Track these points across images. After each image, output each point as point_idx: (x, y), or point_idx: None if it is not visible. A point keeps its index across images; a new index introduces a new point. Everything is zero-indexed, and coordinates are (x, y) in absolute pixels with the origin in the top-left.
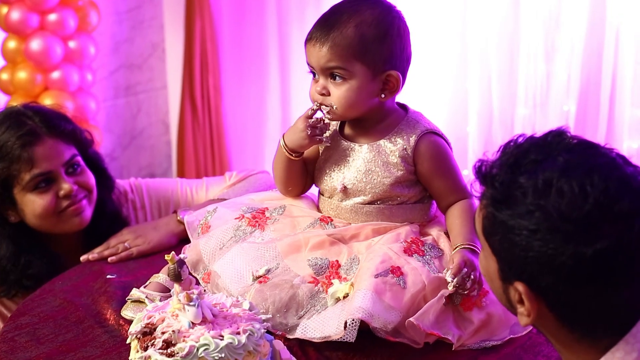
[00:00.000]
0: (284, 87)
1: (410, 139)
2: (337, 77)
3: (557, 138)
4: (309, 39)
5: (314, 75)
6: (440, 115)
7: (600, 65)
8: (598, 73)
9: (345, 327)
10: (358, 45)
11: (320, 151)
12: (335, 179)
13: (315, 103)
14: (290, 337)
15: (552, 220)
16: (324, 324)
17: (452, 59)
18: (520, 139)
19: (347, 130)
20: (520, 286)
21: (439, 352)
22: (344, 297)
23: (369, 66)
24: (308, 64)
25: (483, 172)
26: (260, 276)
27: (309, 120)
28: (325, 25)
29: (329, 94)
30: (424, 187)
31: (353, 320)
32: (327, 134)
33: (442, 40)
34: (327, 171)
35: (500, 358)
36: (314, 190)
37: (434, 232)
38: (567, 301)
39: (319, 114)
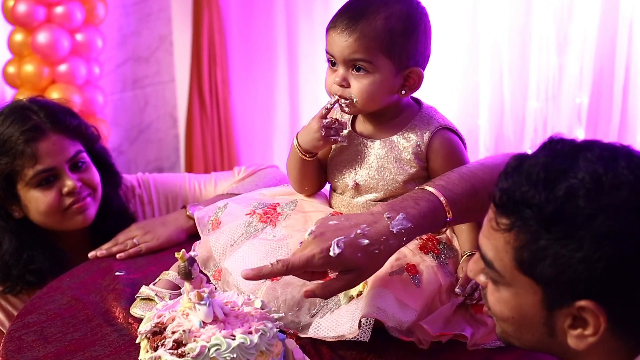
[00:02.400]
0: (292, 80)
1: (424, 135)
2: (360, 69)
3: (561, 145)
4: (332, 27)
5: (332, 64)
6: (450, 109)
7: (614, 57)
8: (611, 65)
9: (359, 326)
10: (386, 39)
11: (333, 147)
12: (347, 175)
13: (331, 100)
14: (303, 336)
15: (622, 217)
16: (338, 323)
17: (462, 52)
18: (520, 159)
19: (359, 125)
20: (585, 303)
21: (454, 352)
22: (358, 295)
23: (394, 61)
24: (327, 52)
25: (507, 201)
26: None
27: (324, 120)
28: (353, 15)
29: (348, 86)
30: None
31: (367, 319)
32: (345, 132)
33: (453, 32)
34: (339, 167)
35: (516, 357)
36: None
37: (447, 231)
38: (637, 303)
39: (333, 113)
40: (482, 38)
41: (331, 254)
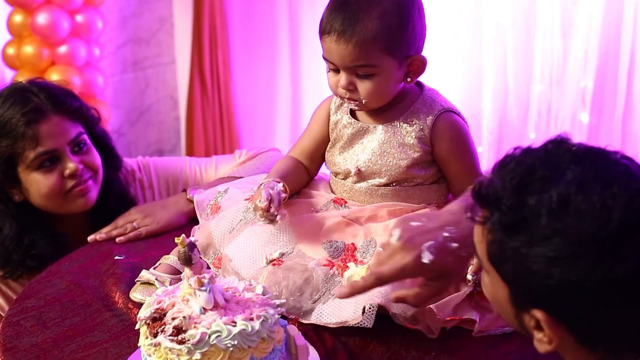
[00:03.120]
0: (294, 63)
1: (427, 119)
2: (364, 73)
3: (559, 149)
4: (327, 32)
5: (331, 67)
6: (454, 92)
7: (619, 41)
8: (616, 49)
9: (363, 312)
10: (384, 38)
11: (331, 135)
12: (348, 161)
13: (262, 202)
14: (305, 321)
15: (574, 244)
16: (341, 309)
17: (466, 34)
18: (517, 152)
19: (359, 111)
20: (539, 314)
21: (459, 339)
22: None
23: (396, 56)
24: (326, 59)
25: (484, 194)
26: (274, 259)
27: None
28: (345, 17)
29: (355, 89)
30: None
31: (371, 305)
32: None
33: (457, 15)
34: (340, 153)
35: (521, 344)
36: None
37: None
38: (593, 325)
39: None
40: (486, 21)
41: (425, 260)
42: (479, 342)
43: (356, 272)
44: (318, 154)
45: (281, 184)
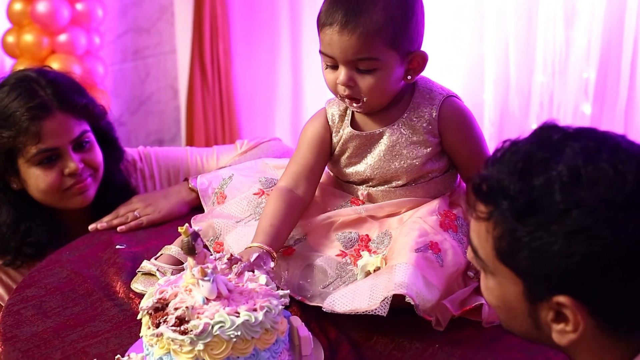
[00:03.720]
0: (295, 52)
1: (432, 111)
2: (366, 68)
3: (550, 132)
4: (328, 24)
5: (328, 62)
6: (455, 82)
7: (622, 31)
8: (619, 39)
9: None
10: (389, 31)
11: (335, 150)
12: (361, 171)
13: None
14: (311, 304)
15: (596, 212)
16: (355, 297)
17: (467, 24)
18: (507, 144)
19: (360, 119)
20: (563, 299)
21: (464, 331)
22: (374, 271)
23: (399, 51)
24: (324, 53)
25: (486, 189)
26: (286, 247)
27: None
28: (349, 9)
29: (355, 85)
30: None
31: (388, 294)
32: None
33: (458, 4)
34: (349, 165)
35: None
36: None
37: (463, 204)
38: (618, 301)
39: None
40: (488, 10)
41: None
42: (483, 334)
43: (370, 261)
44: (316, 173)
45: (273, 264)
